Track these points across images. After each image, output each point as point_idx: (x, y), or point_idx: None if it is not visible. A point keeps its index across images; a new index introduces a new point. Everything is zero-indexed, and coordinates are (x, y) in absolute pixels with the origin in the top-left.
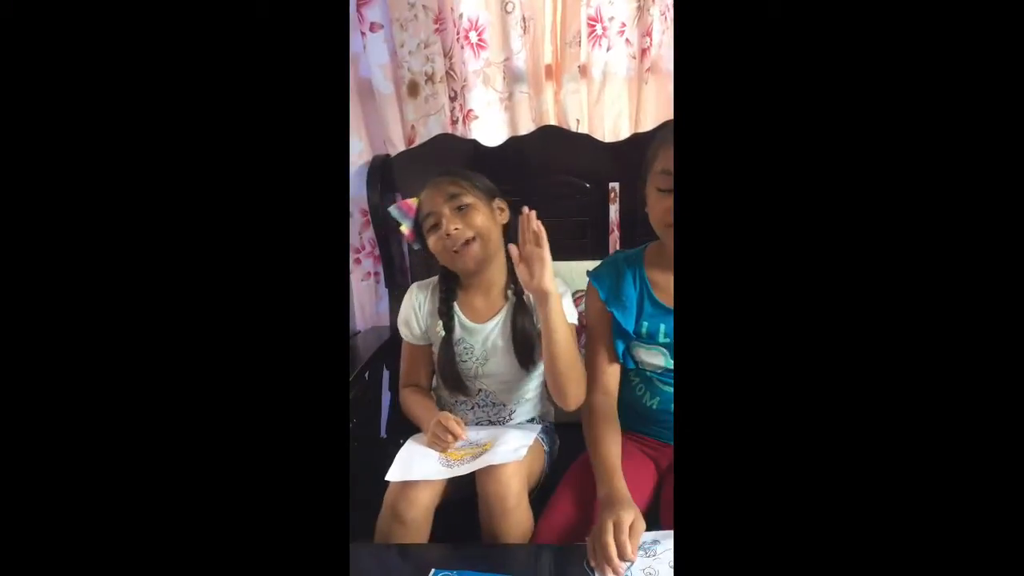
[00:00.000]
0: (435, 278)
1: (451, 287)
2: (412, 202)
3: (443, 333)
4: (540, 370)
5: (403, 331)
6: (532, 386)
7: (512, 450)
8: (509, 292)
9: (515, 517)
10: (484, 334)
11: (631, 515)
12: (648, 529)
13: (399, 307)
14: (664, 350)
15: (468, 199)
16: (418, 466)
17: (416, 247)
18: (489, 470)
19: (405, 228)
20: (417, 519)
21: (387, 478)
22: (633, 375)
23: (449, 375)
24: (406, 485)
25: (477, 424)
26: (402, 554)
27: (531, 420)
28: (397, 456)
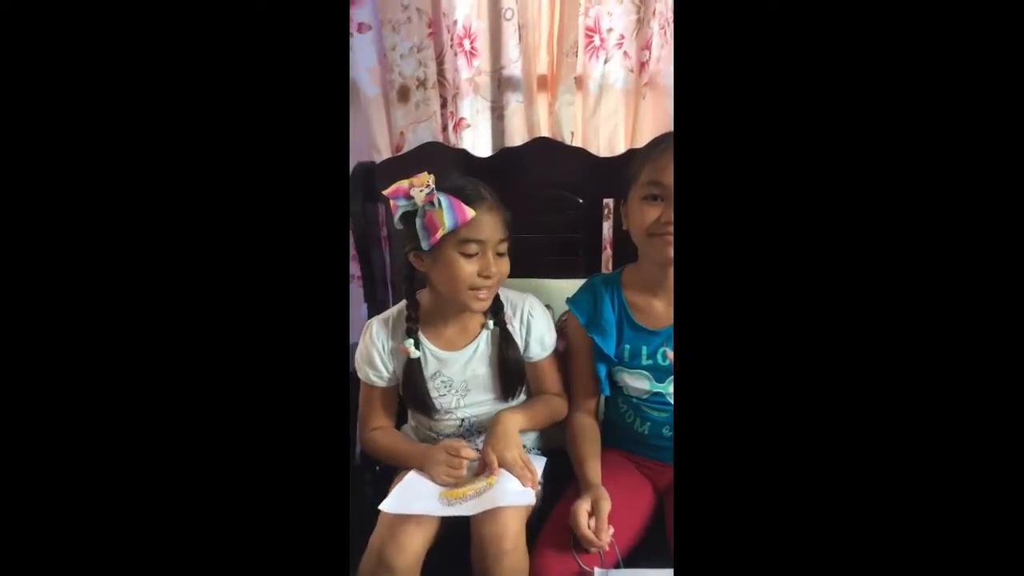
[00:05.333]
0: (394, 309)
1: (417, 315)
2: (469, 211)
3: (416, 354)
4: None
5: (365, 373)
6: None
7: (520, 491)
8: (490, 322)
9: (511, 560)
10: (462, 363)
11: (589, 498)
12: (654, 557)
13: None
14: (648, 373)
15: (505, 245)
16: (419, 501)
17: (425, 246)
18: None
19: (445, 226)
20: (407, 567)
21: (381, 507)
22: (621, 401)
23: (418, 401)
24: (396, 528)
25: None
26: None
27: None
28: (396, 486)
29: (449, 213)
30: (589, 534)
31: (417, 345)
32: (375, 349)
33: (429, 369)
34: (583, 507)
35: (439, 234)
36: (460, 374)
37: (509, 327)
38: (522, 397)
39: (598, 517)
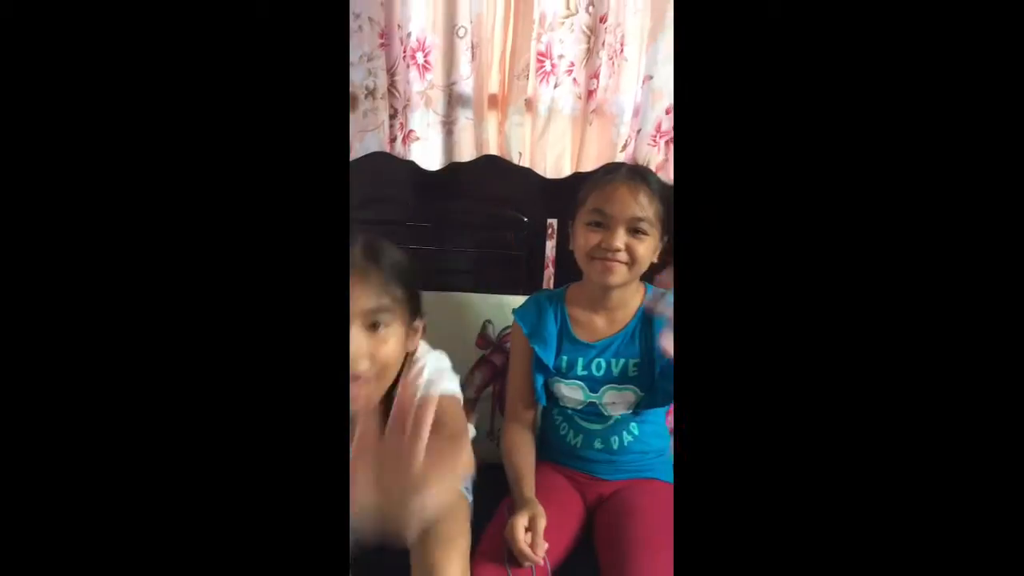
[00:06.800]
0: None
1: None
2: None
3: None
4: None
5: None
6: None
7: None
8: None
9: None
10: None
11: (527, 514)
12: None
13: None
14: (582, 384)
15: (388, 316)
16: None
17: None
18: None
19: None
20: None
21: None
22: (556, 414)
23: None
24: None
25: None
26: None
27: None
28: None
29: None
30: (526, 549)
31: None
32: None
33: None
34: (520, 522)
35: None
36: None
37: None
38: None
39: (535, 532)
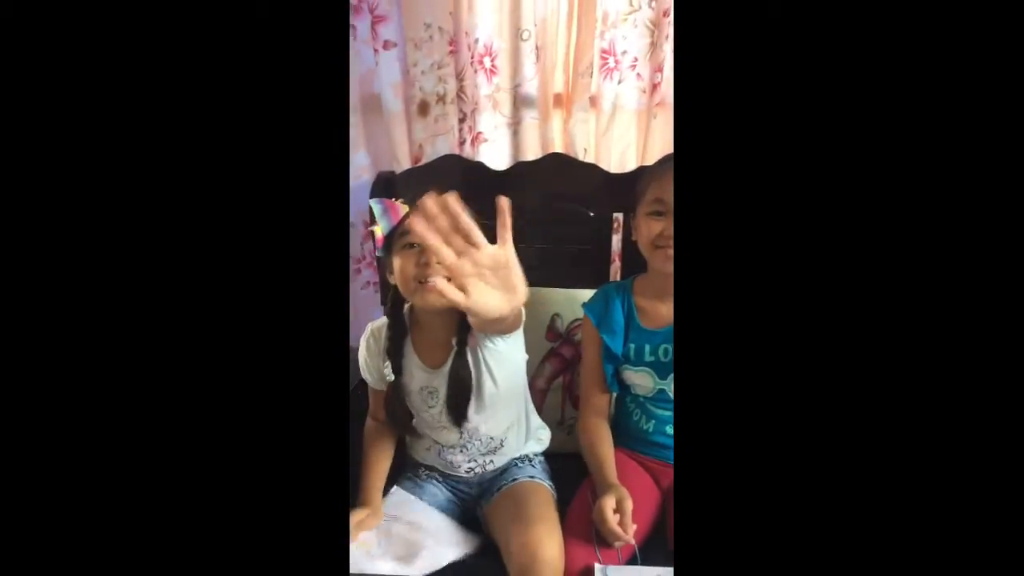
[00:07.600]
0: (384, 320)
1: (402, 327)
2: (401, 207)
3: (391, 377)
4: (513, 395)
5: (363, 373)
6: (512, 411)
7: None
8: (454, 340)
9: None
10: (441, 378)
11: (614, 496)
12: (656, 556)
13: None
14: (650, 370)
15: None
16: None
17: (380, 255)
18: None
19: (380, 230)
20: None
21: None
22: (629, 401)
23: (396, 420)
24: None
25: (470, 463)
26: None
27: (523, 458)
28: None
29: (382, 217)
30: (617, 528)
31: (397, 367)
32: (366, 355)
33: (416, 383)
34: (608, 504)
35: (379, 235)
36: (444, 388)
37: (468, 350)
38: (473, 420)
39: (623, 513)
